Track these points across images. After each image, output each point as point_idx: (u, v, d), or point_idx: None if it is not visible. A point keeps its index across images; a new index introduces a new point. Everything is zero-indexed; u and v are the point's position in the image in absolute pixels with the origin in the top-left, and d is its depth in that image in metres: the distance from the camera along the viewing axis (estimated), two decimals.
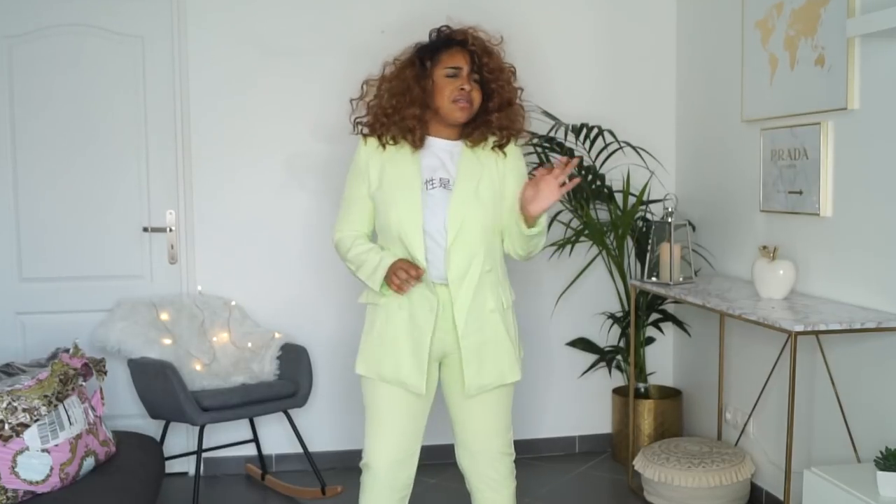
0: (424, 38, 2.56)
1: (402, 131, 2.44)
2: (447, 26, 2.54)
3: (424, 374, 2.42)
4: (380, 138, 2.47)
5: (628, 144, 4.08)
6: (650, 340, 4.28)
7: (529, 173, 2.53)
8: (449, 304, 2.41)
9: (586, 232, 3.98)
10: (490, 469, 2.53)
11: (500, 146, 2.49)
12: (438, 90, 2.43)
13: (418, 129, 2.44)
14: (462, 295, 2.40)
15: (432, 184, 2.43)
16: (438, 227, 2.40)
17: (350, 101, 2.55)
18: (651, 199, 4.15)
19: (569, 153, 4.01)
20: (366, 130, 2.52)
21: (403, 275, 2.31)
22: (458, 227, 2.39)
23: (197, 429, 3.59)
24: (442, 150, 2.49)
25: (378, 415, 2.49)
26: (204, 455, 3.89)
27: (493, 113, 2.46)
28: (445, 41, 2.48)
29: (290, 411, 3.75)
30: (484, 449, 2.52)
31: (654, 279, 3.64)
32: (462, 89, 2.41)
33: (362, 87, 2.54)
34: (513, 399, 2.60)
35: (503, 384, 2.50)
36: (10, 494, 2.51)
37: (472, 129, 2.47)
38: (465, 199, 2.41)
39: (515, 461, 2.61)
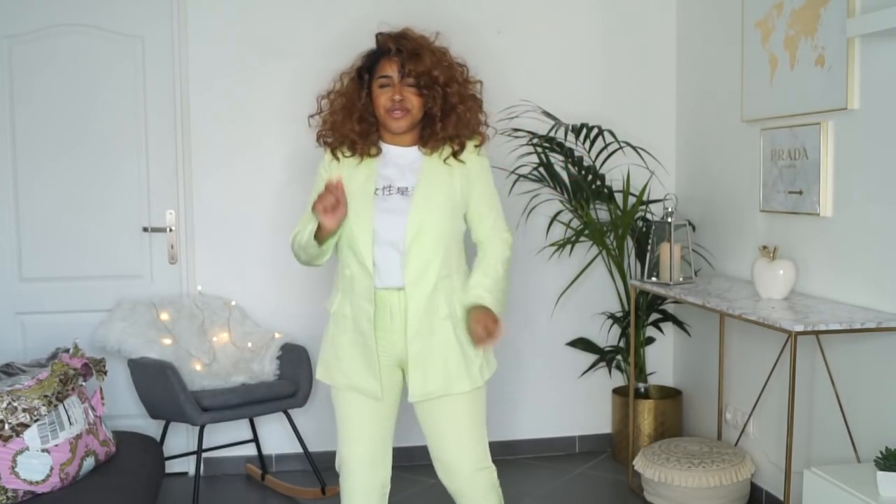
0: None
1: (348, 144, 2.44)
2: (380, 33, 2.50)
3: (377, 378, 2.41)
4: (333, 151, 2.48)
5: (628, 144, 4.08)
6: (650, 340, 4.28)
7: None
8: (403, 309, 2.38)
9: (586, 232, 3.98)
10: (467, 487, 2.47)
11: (455, 154, 2.44)
12: (375, 101, 2.41)
13: (359, 143, 2.42)
14: (416, 300, 2.37)
15: (388, 191, 2.40)
16: (397, 234, 2.37)
17: (308, 118, 2.55)
18: (651, 199, 4.15)
19: (568, 152, 4.01)
20: (328, 142, 2.52)
21: (321, 200, 2.28)
22: (416, 232, 2.36)
23: (197, 429, 3.59)
24: (399, 157, 2.46)
25: (343, 420, 2.50)
26: (204, 455, 3.89)
27: (437, 122, 2.41)
28: (379, 51, 2.46)
29: (290, 411, 3.75)
30: (457, 464, 2.45)
31: (654, 279, 3.64)
32: (393, 99, 2.37)
33: (317, 101, 2.52)
34: (484, 410, 2.52)
35: (451, 393, 2.42)
36: (10, 494, 2.51)
37: (427, 138, 2.44)
38: (422, 205, 2.38)
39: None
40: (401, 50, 2.38)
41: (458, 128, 2.43)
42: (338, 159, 2.47)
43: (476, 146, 2.49)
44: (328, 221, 2.29)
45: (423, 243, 2.36)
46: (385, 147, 2.46)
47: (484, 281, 2.43)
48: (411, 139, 2.46)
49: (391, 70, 2.39)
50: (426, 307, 2.37)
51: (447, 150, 2.44)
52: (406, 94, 2.37)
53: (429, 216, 2.37)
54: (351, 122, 2.42)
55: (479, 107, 2.51)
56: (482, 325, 2.32)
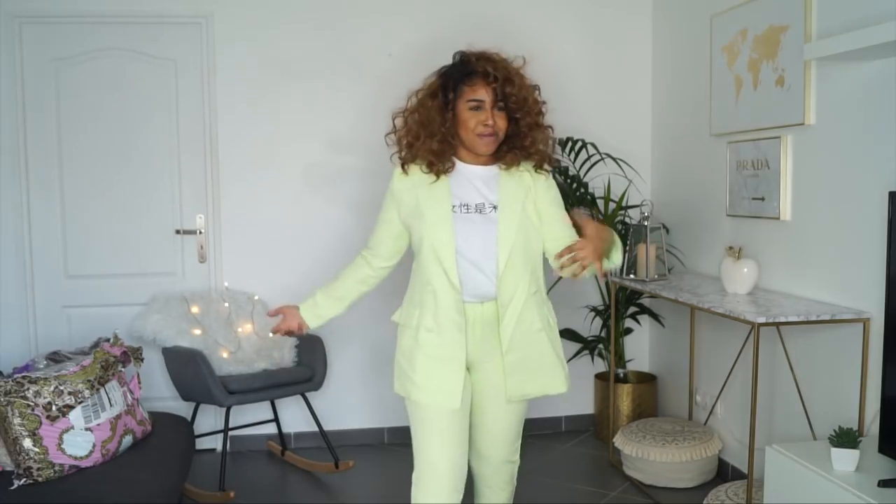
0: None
1: (425, 162, 2.21)
2: (464, 52, 2.25)
3: (459, 393, 2.20)
4: (403, 165, 2.24)
5: (609, 156, 4.08)
6: (628, 331, 4.28)
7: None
8: (491, 321, 2.21)
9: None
10: (493, 473, 2.37)
11: (538, 167, 2.25)
12: (462, 123, 2.17)
13: (437, 163, 2.19)
14: (509, 314, 2.19)
15: (466, 208, 2.19)
16: (475, 251, 2.17)
17: (385, 137, 2.30)
18: (629, 204, 4.15)
19: (555, 163, 4.00)
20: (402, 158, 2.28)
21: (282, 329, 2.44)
22: (509, 253, 2.16)
23: (224, 410, 3.59)
24: (475, 176, 2.23)
25: (422, 435, 2.24)
26: (230, 433, 3.89)
27: (525, 138, 2.20)
28: (467, 72, 2.19)
29: (307, 394, 3.75)
30: (492, 454, 2.34)
31: (632, 276, 3.64)
32: (486, 124, 2.15)
33: (393, 120, 2.27)
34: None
35: (549, 394, 2.30)
36: (56, 468, 2.51)
37: (505, 153, 2.22)
38: (512, 224, 2.18)
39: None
40: (496, 76, 2.15)
41: (544, 141, 2.25)
42: (406, 173, 2.24)
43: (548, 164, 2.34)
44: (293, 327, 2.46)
45: (514, 263, 2.17)
46: (459, 164, 2.23)
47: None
48: (488, 158, 2.24)
49: (485, 94, 2.15)
50: (518, 320, 2.20)
51: (529, 165, 2.25)
52: (496, 118, 2.16)
53: (519, 236, 2.18)
54: (431, 141, 2.17)
55: (550, 126, 2.32)
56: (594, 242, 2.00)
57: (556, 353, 2.29)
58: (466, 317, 2.20)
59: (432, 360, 2.21)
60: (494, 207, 2.20)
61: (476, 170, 2.24)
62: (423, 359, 2.22)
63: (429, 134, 2.17)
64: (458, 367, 2.20)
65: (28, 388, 2.52)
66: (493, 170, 2.24)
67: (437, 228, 2.17)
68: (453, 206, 2.19)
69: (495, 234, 2.18)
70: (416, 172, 2.23)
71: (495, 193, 2.21)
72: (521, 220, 2.19)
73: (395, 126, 2.26)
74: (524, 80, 2.22)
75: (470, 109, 2.16)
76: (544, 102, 2.27)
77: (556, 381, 2.29)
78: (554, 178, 4.12)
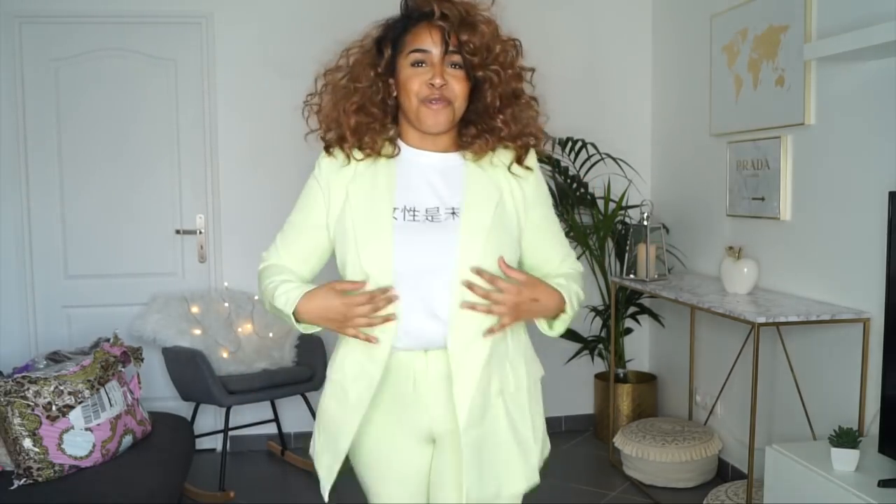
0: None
1: (354, 144, 1.58)
2: None
3: (334, 472, 1.64)
4: (329, 149, 1.63)
5: (609, 156, 4.08)
6: (628, 331, 4.28)
7: None
8: (434, 377, 1.54)
9: (571, 234, 3.97)
10: None
11: (520, 160, 1.60)
12: (403, 87, 1.53)
13: (370, 145, 1.57)
14: (467, 370, 1.51)
15: (413, 214, 1.53)
16: (431, 276, 1.50)
17: (303, 109, 1.69)
18: (629, 204, 4.15)
19: (555, 163, 4.00)
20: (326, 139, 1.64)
21: (363, 313, 1.48)
22: (467, 275, 1.49)
23: (224, 410, 3.59)
24: (429, 167, 1.57)
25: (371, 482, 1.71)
26: (230, 433, 3.89)
27: (496, 114, 1.56)
28: (409, 17, 1.55)
29: (306, 394, 3.75)
30: None
31: (631, 276, 3.64)
32: (431, 84, 1.49)
33: (316, 82, 1.65)
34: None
35: (499, 502, 1.58)
36: (56, 468, 2.51)
37: (472, 138, 1.57)
38: (478, 237, 1.51)
39: None
40: (446, 15, 1.50)
41: (525, 120, 1.60)
42: (349, 159, 1.59)
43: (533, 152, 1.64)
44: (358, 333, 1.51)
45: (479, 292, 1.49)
46: (406, 150, 1.59)
47: (559, 277, 1.63)
48: (446, 141, 1.58)
49: (431, 43, 1.50)
50: (480, 380, 1.53)
51: (507, 156, 1.60)
52: (449, 79, 1.50)
53: (487, 252, 1.51)
54: (360, 115, 1.56)
55: (534, 98, 1.64)
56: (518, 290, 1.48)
57: (513, 432, 1.60)
58: (406, 371, 1.55)
59: (325, 433, 1.64)
60: (454, 213, 1.54)
61: (431, 159, 1.58)
62: (319, 428, 1.65)
63: (358, 105, 1.55)
64: (342, 440, 1.59)
65: (28, 388, 2.52)
66: (454, 159, 1.59)
67: (370, 241, 1.51)
68: (395, 210, 1.53)
69: (454, 252, 1.50)
70: (346, 159, 1.60)
71: (458, 194, 1.55)
72: (493, 232, 1.52)
73: (316, 93, 1.65)
74: (493, 28, 1.54)
75: (412, 66, 1.51)
76: (531, 69, 1.62)
77: (513, 477, 1.60)
78: (554, 178, 4.10)
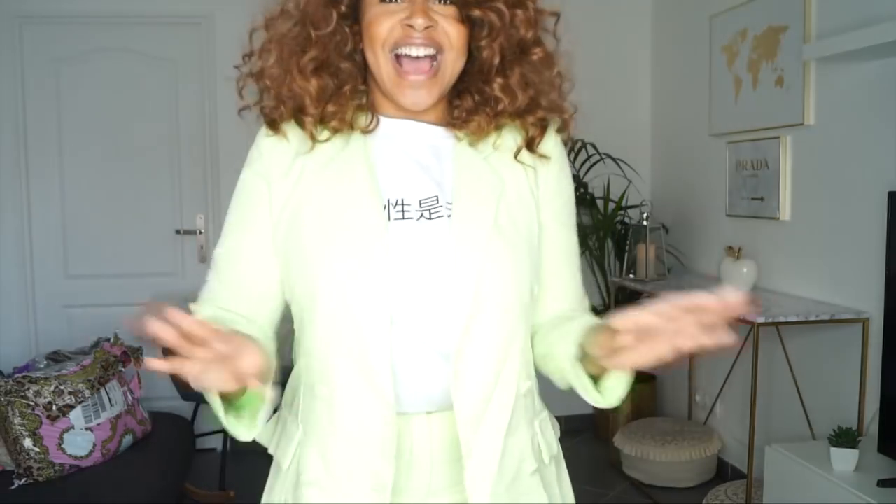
0: None
1: (313, 116, 1.07)
2: None
3: None
4: (274, 125, 1.12)
5: (608, 156, 4.08)
6: None
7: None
8: (446, 454, 1.05)
9: None
10: None
11: (531, 144, 1.10)
12: (367, 32, 1.04)
13: (338, 115, 1.06)
14: (487, 439, 1.03)
15: (402, 209, 1.04)
16: (421, 300, 1.02)
17: (238, 78, 1.19)
18: (629, 204, 4.14)
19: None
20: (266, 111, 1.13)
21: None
22: (475, 300, 1.01)
23: None
24: (418, 141, 1.09)
25: None
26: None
27: (498, 75, 1.07)
28: None
29: None
30: None
31: (631, 276, 3.64)
32: (409, 25, 1.00)
33: (250, 37, 1.16)
34: None
35: None
36: (57, 468, 2.51)
37: (470, 112, 1.09)
38: (479, 239, 1.02)
39: None
40: None
41: (536, 91, 1.10)
42: (283, 135, 1.10)
43: (557, 132, 1.15)
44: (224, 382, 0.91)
45: (487, 323, 1.02)
46: (385, 123, 1.10)
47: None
48: (434, 114, 1.10)
49: None
50: (505, 452, 1.05)
51: (510, 136, 1.11)
52: (438, 18, 1.02)
53: (496, 263, 1.02)
54: (311, 70, 1.05)
55: (555, 60, 1.15)
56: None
57: None
58: (404, 449, 1.04)
59: None
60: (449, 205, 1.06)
61: (418, 128, 1.10)
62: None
63: (320, 61, 1.06)
64: None
65: (28, 388, 2.52)
66: (443, 134, 1.10)
67: (354, 254, 1.01)
68: (387, 207, 1.04)
69: (452, 261, 1.02)
70: (300, 135, 1.09)
71: (452, 179, 1.07)
72: (498, 236, 1.04)
73: (253, 53, 1.14)
74: None
75: (381, 2, 1.03)
76: (554, 13, 1.15)
77: None
78: None
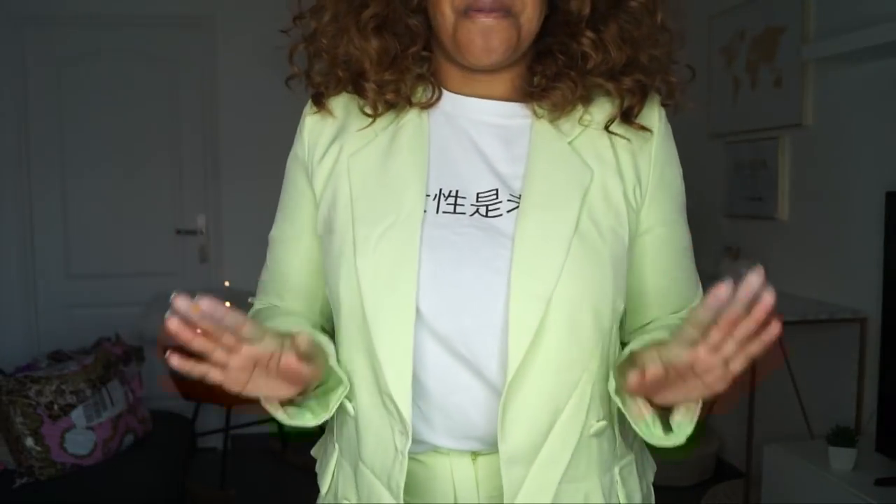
0: None
1: (362, 89, 0.94)
2: None
3: None
4: (320, 100, 1.01)
5: None
6: None
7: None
8: (490, 498, 0.91)
9: None
10: None
11: (628, 114, 0.93)
12: None
13: (396, 86, 0.92)
14: (536, 489, 0.86)
15: (454, 202, 0.89)
16: (463, 316, 0.86)
17: (281, 32, 1.04)
18: None
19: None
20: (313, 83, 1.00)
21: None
22: (539, 321, 0.83)
23: (225, 409, 3.59)
24: (484, 124, 0.93)
25: None
26: (231, 432, 3.89)
27: (588, 29, 0.90)
28: None
29: None
30: None
31: None
32: None
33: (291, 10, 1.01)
34: None
35: None
36: (58, 467, 2.51)
37: (553, 78, 0.91)
38: (552, 245, 0.85)
39: None
40: None
41: (635, 49, 0.93)
42: (329, 112, 0.98)
43: (662, 106, 0.99)
44: (277, 390, 0.85)
45: (557, 347, 0.85)
46: (450, 99, 0.94)
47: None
48: (506, 84, 0.93)
49: None
50: (560, 501, 0.88)
51: (605, 108, 0.93)
52: None
53: (575, 273, 0.86)
54: (372, 28, 0.91)
55: (658, 7, 0.94)
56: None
57: None
58: (433, 483, 0.91)
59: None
60: (517, 202, 0.88)
61: (486, 109, 0.93)
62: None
63: (381, 19, 0.92)
64: None
65: (30, 387, 2.52)
66: (519, 113, 0.93)
67: (378, 255, 0.87)
68: (428, 199, 0.89)
69: (512, 270, 0.85)
70: (349, 111, 0.97)
71: (523, 168, 0.90)
72: (582, 241, 0.87)
73: (297, 20, 1.00)
74: None
75: None
76: None
77: None
78: None
